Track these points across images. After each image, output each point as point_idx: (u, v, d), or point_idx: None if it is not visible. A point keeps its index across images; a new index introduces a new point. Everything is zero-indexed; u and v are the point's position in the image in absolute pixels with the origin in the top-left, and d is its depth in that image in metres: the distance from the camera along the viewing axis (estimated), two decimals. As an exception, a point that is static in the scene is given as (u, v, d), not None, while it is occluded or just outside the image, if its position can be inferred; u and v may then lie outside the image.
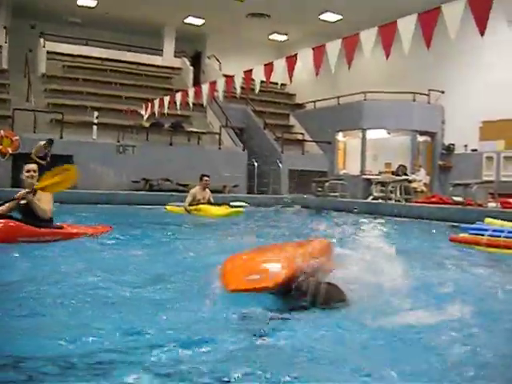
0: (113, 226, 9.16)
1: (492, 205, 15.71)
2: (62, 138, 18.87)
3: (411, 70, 22.32)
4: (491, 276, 5.91)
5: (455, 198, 16.46)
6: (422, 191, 19.26)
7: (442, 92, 22.19)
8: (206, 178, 14.98)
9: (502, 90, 19.78)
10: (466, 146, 21.49)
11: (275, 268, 4.57)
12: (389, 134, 22.89)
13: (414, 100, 21.99)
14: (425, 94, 22.06)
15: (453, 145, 21.98)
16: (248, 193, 20.88)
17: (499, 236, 7.74)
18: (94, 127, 19.99)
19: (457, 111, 21.61)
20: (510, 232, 7.71)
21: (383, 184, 18.90)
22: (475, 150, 21.09)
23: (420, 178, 19.98)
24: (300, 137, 24.47)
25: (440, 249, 8.34)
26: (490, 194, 16.62)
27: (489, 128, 20.72)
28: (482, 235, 7.98)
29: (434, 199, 17.42)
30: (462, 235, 8.45)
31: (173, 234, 9.93)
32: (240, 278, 4.41)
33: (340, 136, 24.08)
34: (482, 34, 8.00)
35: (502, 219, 8.76)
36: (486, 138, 20.79)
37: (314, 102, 25.45)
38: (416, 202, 17.54)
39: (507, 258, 7.18)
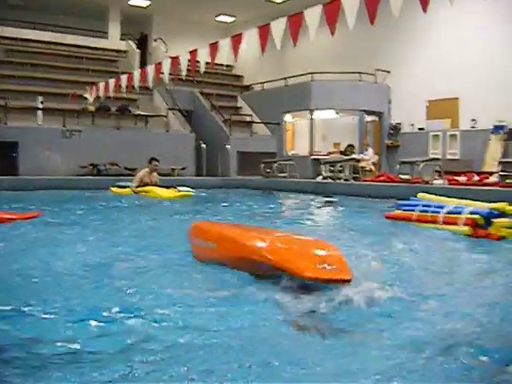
0: (43, 211, 9.02)
1: (438, 182, 15.91)
2: (6, 124, 18.48)
3: (358, 51, 22.48)
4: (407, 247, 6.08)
5: (402, 176, 16.65)
6: (370, 170, 19.38)
7: (389, 72, 22.33)
8: (155, 163, 14.84)
9: (447, 69, 20.03)
10: (412, 125, 21.72)
11: (344, 259, 4.40)
12: (337, 114, 22.99)
13: (361, 80, 22.07)
14: (371, 74, 22.15)
15: (399, 124, 22.18)
16: (197, 175, 20.75)
17: (427, 211, 7.81)
18: (39, 112, 19.58)
19: (403, 91, 21.80)
20: (437, 207, 7.76)
21: (332, 164, 18.97)
22: (422, 129, 21.34)
23: (368, 158, 20.11)
24: (248, 118, 24.38)
25: (374, 225, 8.46)
26: (436, 172, 16.84)
27: (435, 107, 20.97)
28: (413, 211, 8.04)
29: (382, 178, 17.56)
30: (396, 211, 8.50)
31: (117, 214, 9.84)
32: (310, 265, 4.13)
33: (288, 117, 24.06)
34: (425, 10, 8.04)
35: (440, 194, 8.81)
36: (432, 117, 21.07)
37: (262, 83, 25.36)
38: (364, 181, 17.67)
39: (431, 232, 7.27)
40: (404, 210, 8.25)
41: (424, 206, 7.97)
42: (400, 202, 8.67)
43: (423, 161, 16.70)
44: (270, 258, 4.28)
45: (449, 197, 8.33)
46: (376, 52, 22.29)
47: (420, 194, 8.71)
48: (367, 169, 19.29)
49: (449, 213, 7.44)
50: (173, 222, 9.00)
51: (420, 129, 21.42)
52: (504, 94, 18.31)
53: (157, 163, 14.85)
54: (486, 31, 19.30)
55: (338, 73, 21.39)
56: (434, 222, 7.47)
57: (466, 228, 7.05)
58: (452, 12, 18.30)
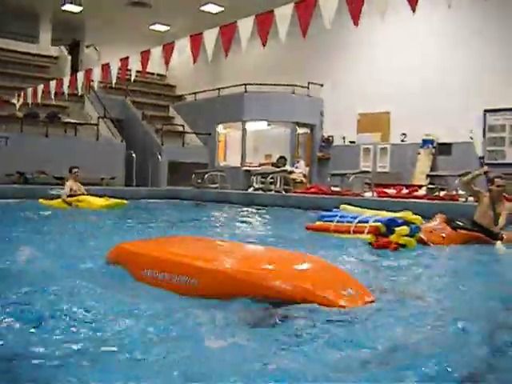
0: None
1: (368, 194, 16.09)
2: None
3: (291, 63, 22.60)
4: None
5: (333, 188, 16.80)
6: (301, 182, 19.48)
7: (321, 85, 22.51)
8: (75, 170, 14.55)
9: (379, 83, 20.30)
10: (344, 137, 21.92)
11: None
12: (269, 125, 23.03)
13: (294, 92, 22.17)
14: (304, 87, 22.28)
15: (331, 137, 22.36)
16: (126, 185, 20.44)
17: (343, 222, 7.94)
18: (-37, 117, 19.02)
19: (335, 104, 21.99)
20: (352, 217, 7.89)
21: (263, 175, 19.01)
22: (353, 142, 21.56)
23: (299, 170, 20.21)
24: (180, 129, 24.20)
25: (293, 235, 8.64)
26: (366, 184, 17.05)
27: (366, 120, 21.23)
28: (332, 222, 8.15)
29: (313, 189, 17.69)
30: (317, 223, 8.58)
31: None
32: (335, 290, 3.97)
33: (220, 128, 23.99)
34: (356, 24, 8.08)
35: (374, 207, 8.89)
36: (364, 130, 21.31)
37: (195, 93, 25.24)
38: (295, 193, 17.75)
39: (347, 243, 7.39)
40: (324, 221, 8.34)
41: (341, 216, 8.09)
42: (322, 213, 8.74)
43: (354, 173, 16.91)
44: (290, 291, 3.86)
45: (370, 208, 8.43)
46: (309, 65, 22.44)
47: (342, 206, 8.80)
48: (298, 180, 19.38)
49: (359, 222, 7.62)
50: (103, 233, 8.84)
51: (351, 142, 21.64)
52: (433, 110, 18.65)
53: (76, 170, 14.56)
54: (418, 46, 19.66)
55: (271, 84, 21.45)
56: (348, 231, 7.62)
57: (369, 236, 7.22)
58: (384, 27, 18.64)
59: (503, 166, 17.59)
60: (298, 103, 22.27)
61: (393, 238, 7.15)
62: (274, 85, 21.50)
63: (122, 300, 3.93)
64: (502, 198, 8.64)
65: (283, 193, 17.95)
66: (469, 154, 17.70)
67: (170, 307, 3.75)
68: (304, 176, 20.14)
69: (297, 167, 20.26)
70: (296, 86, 21.99)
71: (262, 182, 18.90)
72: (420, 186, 17.10)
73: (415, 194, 16.21)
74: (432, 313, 3.97)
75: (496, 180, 8.53)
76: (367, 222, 7.56)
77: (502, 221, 8.32)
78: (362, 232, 7.42)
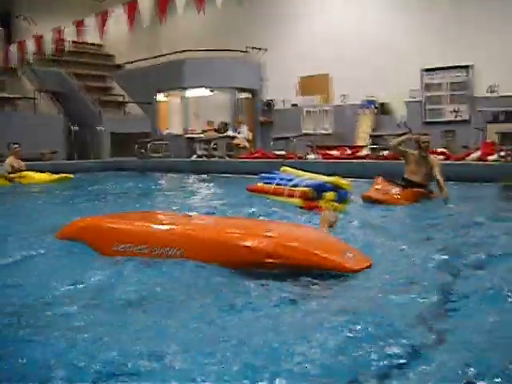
0: None
1: (311, 156, 16.16)
2: None
3: (230, 28, 22.36)
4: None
5: (277, 152, 16.82)
6: (244, 147, 19.42)
7: (260, 49, 22.34)
8: (15, 146, 14.21)
9: (318, 45, 20.28)
10: (285, 101, 21.90)
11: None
12: (210, 92, 22.83)
13: (234, 58, 21.99)
14: (244, 52, 22.10)
15: (273, 101, 22.32)
16: (68, 159, 20.08)
17: (280, 184, 7.99)
18: None
19: (276, 68, 21.85)
20: (288, 180, 7.96)
21: (206, 142, 18.92)
22: (295, 105, 21.56)
23: (242, 135, 20.14)
24: (120, 99, 23.81)
25: (234, 198, 8.95)
26: (309, 147, 17.12)
27: (307, 83, 21.23)
28: (271, 184, 8.18)
29: (256, 154, 17.68)
30: (258, 185, 8.61)
31: None
32: (342, 256, 4.19)
33: (161, 96, 23.69)
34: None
35: (318, 170, 8.92)
36: (305, 93, 21.31)
37: (133, 62, 24.77)
38: (239, 158, 17.73)
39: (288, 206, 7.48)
40: (264, 183, 8.37)
41: (280, 179, 8.12)
42: (262, 174, 8.76)
43: (296, 136, 16.95)
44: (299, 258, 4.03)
45: (308, 171, 8.48)
46: (249, 29, 22.22)
47: (282, 168, 8.82)
48: (241, 146, 19.33)
49: (293, 186, 7.69)
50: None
51: (293, 105, 21.63)
52: (374, 71, 18.71)
53: (16, 146, 14.23)
54: (357, 8, 19.66)
55: (210, 50, 21.20)
56: (283, 194, 7.73)
57: (298, 200, 7.30)
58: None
59: (442, 124, 17.91)
60: (238, 68, 22.07)
61: (321, 202, 7.30)
62: (214, 50, 21.25)
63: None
64: (428, 153, 9.29)
65: (227, 158, 17.90)
66: (408, 112, 17.96)
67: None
68: (247, 141, 20.08)
69: (239, 132, 20.16)
70: (235, 50, 21.80)
71: (205, 149, 18.82)
72: (363, 147, 17.24)
73: (358, 154, 16.37)
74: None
75: (421, 138, 9.14)
76: (298, 185, 7.65)
77: (441, 181, 8.61)
78: (293, 196, 7.50)
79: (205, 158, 18.30)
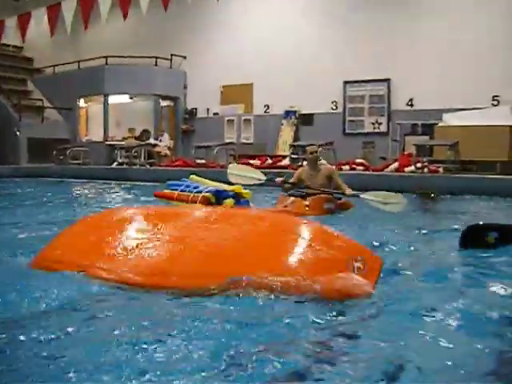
0: None
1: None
2: None
3: (154, 36, 22.17)
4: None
5: (198, 161, 16.80)
6: (166, 155, 19.33)
7: (184, 57, 22.26)
8: None
9: (241, 55, 20.35)
10: (207, 109, 21.87)
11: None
12: (131, 98, 22.61)
13: (157, 65, 21.85)
14: (167, 59, 21.99)
15: (195, 109, 22.25)
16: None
17: (185, 191, 8.12)
18: None
19: (199, 76, 21.83)
20: (194, 187, 8.08)
21: (127, 149, 18.73)
22: (217, 114, 21.57)
23: (164, 143, 20.03)
24: (39, 103, 23.28)
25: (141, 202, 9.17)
26: (230, 156, 17.17)
27: (229, 92, 21.26)
28: (177, 190, 8.30)
29: (178, 162, 17.61)
30: (164, 191, 8.69)
31: None
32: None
33: (82, 102, 23.31)
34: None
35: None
36: (227, 102, 21.34)
37: (54, 66, 24.28)
38: (160, 166, 17.63)
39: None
40: (171, 190, 8.46)
41: (186, 186, 8.24)
42: (169, 182, 8.84)
43: (218, 145, 16.96)
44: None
45: (215, 180, 8.57)
46: (172, 37, 22.07)
47: (191, 176, 8.90)
48: (163, 154, 19.24)
49: (196, 192, 7.84)
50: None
51: (215, 114, 21.64)
52: (297, 81, 18.91)
53: None
54: (280, 19, 19.83)
55: (132, 57, 20.97)
56: (187, 200, 7.82)
57: (200, 205, 7.40)
58: (241, 2, 18.78)
59: (362, 135, 18.26)
60: (160, 76, 21.95)
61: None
62: (136, 57, 21.03)
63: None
64: (318, 163, 9.15)
65: (148, 166, 17.76)
66: (329, 123, 18.27)
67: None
68: (169, 149, 19.99)
69: (161, 140, 20.05)
70: (158, 58, 21.66)
71: (126, 157, 18.62)
72: (284, 157, 17.37)
73: (279, 163, 16.50)
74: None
75: (307, 148, 9.13)
76: (201, 191, 7.83)
77: (340, 183, 8.70)
78: (195, 201, 7.61)
79: (126, 166, 18.08)
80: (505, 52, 15.84)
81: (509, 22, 16.06)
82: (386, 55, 17.66)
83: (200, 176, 8.80)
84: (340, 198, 8.71)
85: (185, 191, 8.08)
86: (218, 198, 7.53)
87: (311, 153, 8.92)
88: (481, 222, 5.63)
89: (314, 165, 8.94)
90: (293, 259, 3.65)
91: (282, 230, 4.03)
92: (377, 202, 8.02)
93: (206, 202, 7.46)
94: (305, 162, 9.30)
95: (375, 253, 4.18)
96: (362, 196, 8.23)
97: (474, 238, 5.28)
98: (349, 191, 8.46)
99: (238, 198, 7.62)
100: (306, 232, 3.91)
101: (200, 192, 7.78)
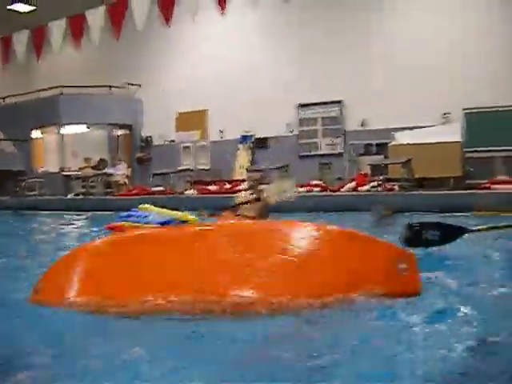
0: None
1: (189, 192, 16.24)
2: None
3: (108, 65, 22.22)
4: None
5: (156, 188, 16.79)
6: (123, 184, 19.28)
7: (139, 85, 22.29)
8: None
9: (196, 82, 20.48)
10: (163, 137, 21.90)
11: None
12: (88, 128, 22.55)
13: (112, 94, 21.86)
14: (122, 87, 21.99)
15: (151, 137, 22.26)
16: None
17: (134, 222, 8.06)
18: None
19: (154, 103, 21.87)
20: (143, 217, 8.02)
21: (83, 179, 18.64)
22: (173, 141, 21.61)
23: (121, 171, 19.96)
24: (-8, 135, 23.04)
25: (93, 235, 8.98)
26: (188, 182, 17.20)
27: (184, 119, 21.35)
28: (126, 221, 8.24)
29: (135, 191, 17.57)
30: (115, 222, 8.63)
31: None
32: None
33: (37, 133, 23.14)
34: (168, 24, 8.15)
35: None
36: (183, 128, 21.41)
37: (4, 98, 24.02)
38: (118, 195, 17.56)
39: None
40: (123, 221, 8.38)
41: (137, 217, 8.15)
42: (120, 214, 8.75)
43: (175, 172, 17.00)
44: None
45: (172, 209, 8.44)
46: (126, 65, 22.08)
47: (140, 206, 8.84)
48: (120, 182, 19.18)
49: (146, 223, 7.78)
50: None
51: (171, 141, 21.68)
52: (250, 106, 19.08)
53: None
54: (233, 44, 20.05)
55: (87, 86, 20.94)
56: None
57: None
58: (193, 28, 18.92)
59: (318, 156, 18.47)
60: (116, 104, 21.94)
61: None
62: (91, 86, 21.01)
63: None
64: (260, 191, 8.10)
65: (105, 196, 17.69)
66: (285, 146, 18.46)
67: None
68: (126, 177, 19.94)
69: (118, 169, 19.99)
70: (114, 87, 21.68)
71: (83, 187, 18.52)
72: (241, 181, 17.43)
73: (236, 188, 16.54)
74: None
75: (250, 176, 8.58)
76: (149, 222, 7.82)
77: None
78: None
79: (82, 196, 17.99)
80: (452, 70, 16.24)
81: (455, 43, 16.49)
82: (338, 77, 17.99)
83: (155, 204, 8.79)
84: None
85: (136, 222, 8.03)
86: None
87: (254, 180, 8.10)
88: (420, 221, 5.90)
89: (256, 192, 7.90)
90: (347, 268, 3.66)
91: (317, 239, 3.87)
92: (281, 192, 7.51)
93: None
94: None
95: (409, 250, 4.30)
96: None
97: (414, 235, 5.53)
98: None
99: None
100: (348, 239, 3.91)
101: (148, 223, 7.77)
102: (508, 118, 14.98)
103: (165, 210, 8.26)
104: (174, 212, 8.18)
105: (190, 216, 7.83)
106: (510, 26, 16.04)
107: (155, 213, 8.21)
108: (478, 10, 16.42)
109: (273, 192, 7.72)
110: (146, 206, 8.73)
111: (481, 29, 16.24)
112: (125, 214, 8.53)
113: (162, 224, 7.64)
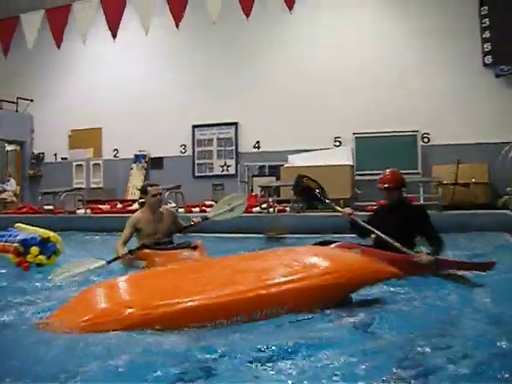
0: None
1: (81, 211, 15.96)
2: None
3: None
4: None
5: (46, 207, 16.37)
6: (12, 202, 18.74)
7: (31, 100, 21.72)
8: None
9: (88, 100, 20.18)
10: (55, 154, 21.42)
11: None
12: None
13: (1, 108, 21.22)
14: (13, 102, 21.41)
15: (42, 153, 21.73)
16: None
17: (7, 241, 7.88)
18: None
19: (46, 120, 21.36)
20: (14, 236, 7.86)
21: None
22: (65, 159, 21.17)
23: (10, 188, 19.41)
24: None
25: None
26: (79, 201, 16.88)
27: (78, 136, 20.96)
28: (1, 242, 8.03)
29: (24, 209, 17.08)
30: None
31: None
32: None
33: None
34: (59, 46, 8.06)
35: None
36: (76, 146, 21.01)
37: None
38: (6, 213, 17.03)
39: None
40: None
41: (9, 236, 7.98)
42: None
43: (66, 191, 16.62)
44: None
45: (45, 229, 8.23)
46: (17, 80, 21.48)
47: (17, 225, 8.67)
48: (9, 200, 18.65)
49: (16, 242, 7.63)
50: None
51: (63, 158, 21.24)
52: (144, 125, 19.03)
53: None
54: (125, 63, 19.97)
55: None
56: (7, 251, 7.68)
57: (12, 256, 7.42)
58: (85, 50, 18.59)
59: (212, 177, 18.57)
60: (5, 119, 21.23)
61: (28, 257, 7.37)
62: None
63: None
64: (162, 206, 7.97)
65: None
66: (179, 167, 18.46)
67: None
68: (15, 195, 19.39)
69: (7, 186, 19.42)
70: (3, 101, 21.08)
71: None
72: (134, 201, 17.29)
73: (129, 208, 16.37)
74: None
75: (150, 189, 7.65)
76: (13, 242, 7.69)
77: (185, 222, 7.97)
78: (9, 251, 7.54)
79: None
80: (345, 96, 16.75)
81: (339, 71, 17.04)
82: (234, 99, 18.19)
83: (32, 224, 8.55)
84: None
85: (7, 242, 7.83)
86: (25, 246, 7.41)
87: (154, 195, 7.58)
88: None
89: (157, 209, 7.65)
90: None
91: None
92: (224, 213, 7.64)
93: (17, 252, 7.39)
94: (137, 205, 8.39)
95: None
96: (210, 216, 7.71)
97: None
98: (196, 219, 7.70)
99: (44, 244, 7.53)
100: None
101: (12, 242, 7.62)
102: (393, 142, 15.66)
103: (37, 228, 8.10)
104: (42, 230, 8.04)
105: (51, 233, 7.74)
106: (398, 58, 16.71)
107: (25, 231, 8.07)
108: (375, 43, 17.02)
109: (222, 211, 7.68)
110: (22, 225, 8.54)
111: (374, 60, 16.82)
112: (1, 233, 8.30)
113: (25, 240, 7.51)
